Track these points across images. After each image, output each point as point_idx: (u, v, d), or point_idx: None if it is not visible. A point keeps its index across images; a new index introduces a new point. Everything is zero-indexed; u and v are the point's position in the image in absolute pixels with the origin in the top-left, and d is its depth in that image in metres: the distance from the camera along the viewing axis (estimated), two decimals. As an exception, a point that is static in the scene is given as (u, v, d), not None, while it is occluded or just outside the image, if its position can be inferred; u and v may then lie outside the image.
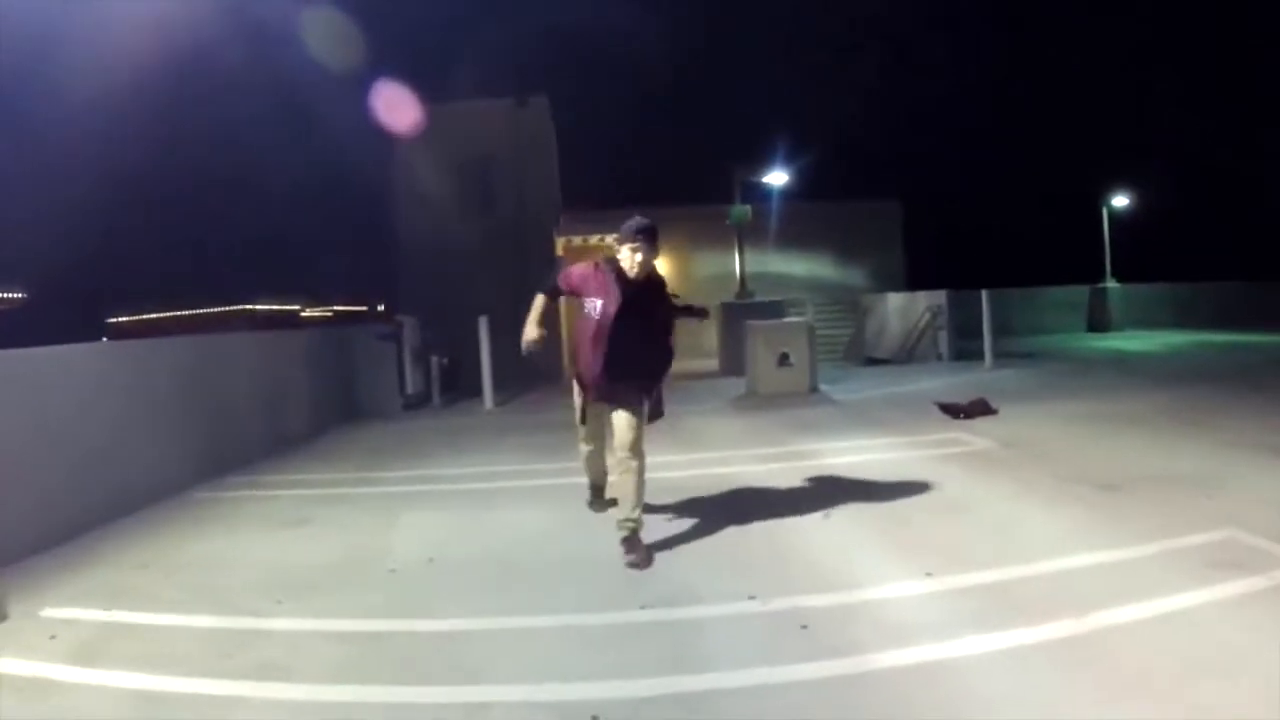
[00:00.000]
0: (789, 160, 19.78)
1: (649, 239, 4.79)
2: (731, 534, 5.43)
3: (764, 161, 19.58)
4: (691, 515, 5.78)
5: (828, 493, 6.34)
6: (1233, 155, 29.27)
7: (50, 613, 4.56)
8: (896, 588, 4.24)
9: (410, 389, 13.27)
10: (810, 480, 6.82)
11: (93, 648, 4.05)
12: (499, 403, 12.87)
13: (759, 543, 5.24)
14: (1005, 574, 4.30)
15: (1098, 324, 24.50)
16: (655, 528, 5.29)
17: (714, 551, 5.10)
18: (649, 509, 5.26)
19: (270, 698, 3.47)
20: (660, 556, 4.98)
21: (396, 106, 19.37)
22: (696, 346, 21.59)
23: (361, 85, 19.75)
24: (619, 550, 4.90)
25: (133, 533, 6.17)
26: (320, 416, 11.26)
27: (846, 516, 5.64)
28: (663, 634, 3.89)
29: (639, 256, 4.77)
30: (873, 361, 19.36)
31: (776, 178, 19.69)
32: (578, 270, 5.06)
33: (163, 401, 7.59)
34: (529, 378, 13.82)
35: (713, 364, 18.79)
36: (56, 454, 6.02)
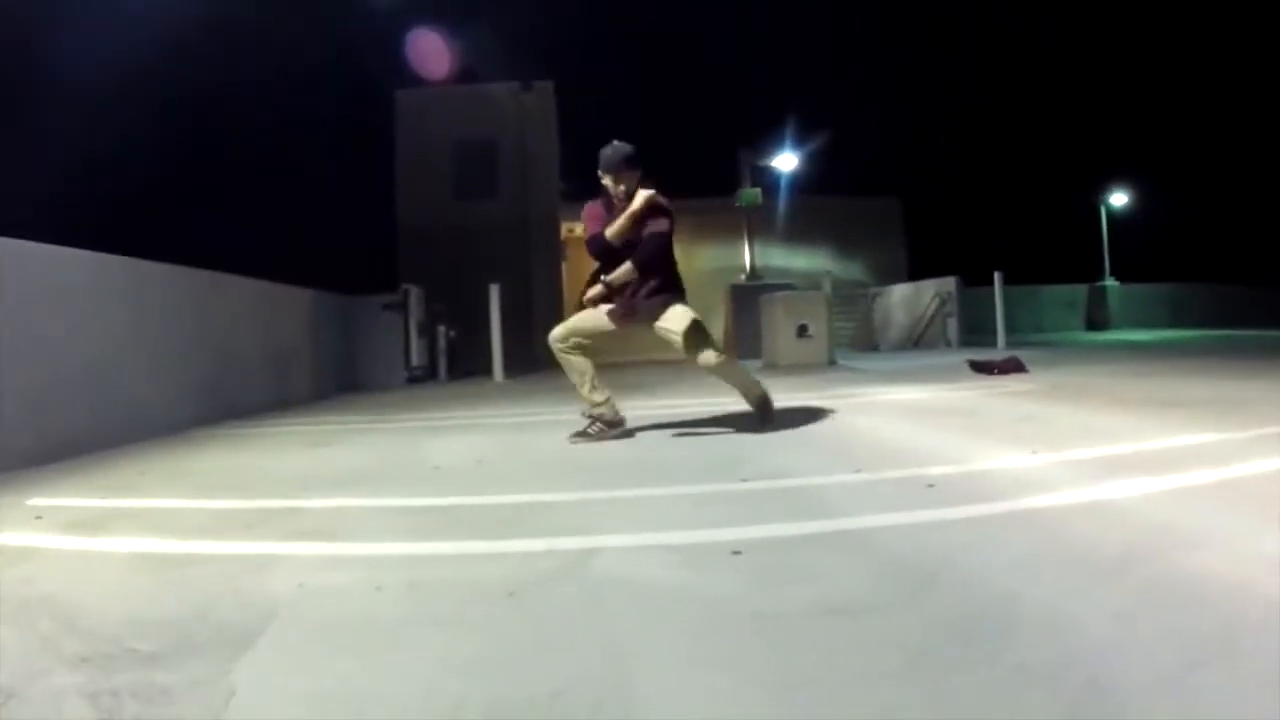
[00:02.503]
0: (797, 145, 19.34)
1: (629, 165, 4.83)
2: (811, 437, 4.85)
3: (771, 147, 19.11)
4: (759, 430, 5.08)
5: (896, 411, 5.92)
6: (1232, 155, 29.06)
7: (39, 501, 3.81)
8: (1007, 460, 3.79)
9: (415, 361, 12.47)
10: (871, 407, 6.27)
11: (88, 524, 3.29)
12: (509, 376, 12.08)
13: (845, 439, 4.74)
14: (1113, 450, 3.88)
15: (1096, 322, 24.18)
16: (721, 437, 4.95)
17: (798, 449, 4.47)
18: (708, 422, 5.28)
19: (315, 554, 2.72)
20: (739, 451, 4.40)
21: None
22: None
23: (363, 63, 19.24)
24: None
25: (128, 454, 5.42)
26: (321, 384, 10.51)
27: (923, 424, 5.23)
28: (780, 496, 3.30)
29: (622, 187, 4.83)
30: (879, 352, 18.81)
31: (785, 161, 19.21)
32: (589, 213, 5.02)
33: (163, 330, 6.88)
34: (532, 361, 13.14)
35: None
36: (46, 360, 5.27)
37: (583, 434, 4.96)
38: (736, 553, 2.46)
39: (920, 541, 2.54)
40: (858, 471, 3.63)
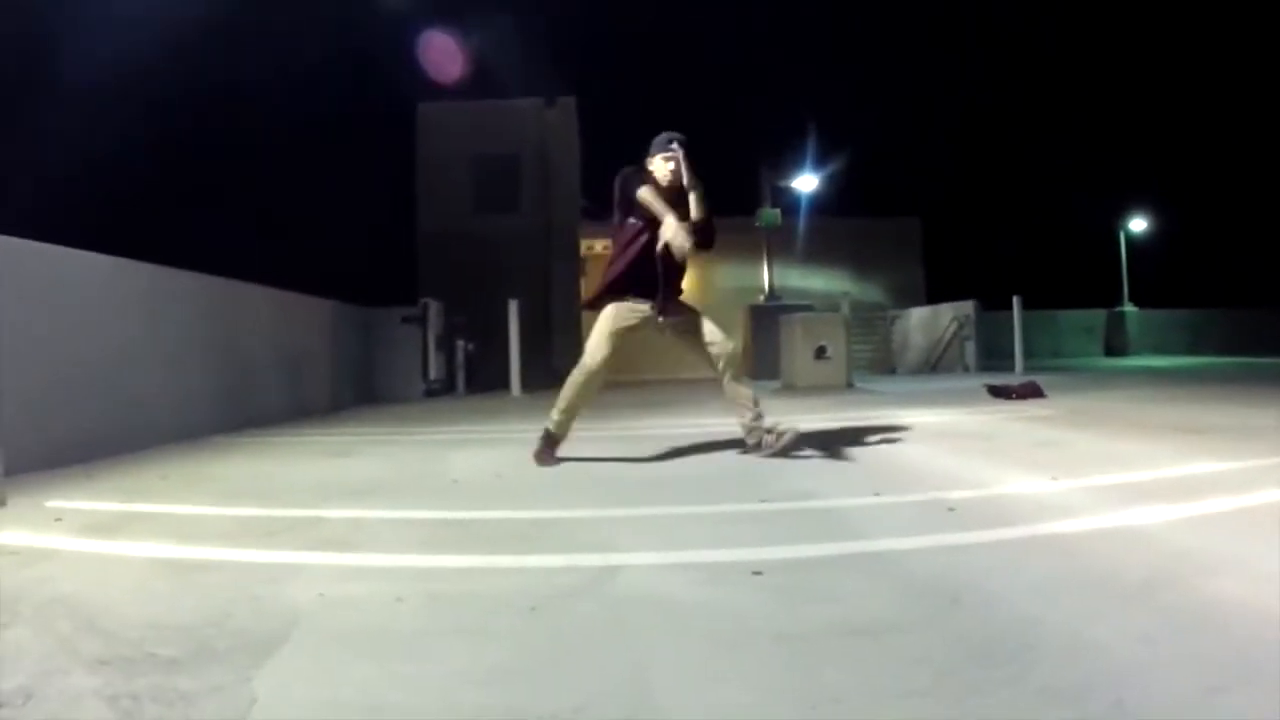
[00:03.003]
0: (817, 166, 19.39)
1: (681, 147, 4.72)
2: (831, 459, 4.80)
3: (792, 168, 19.17)
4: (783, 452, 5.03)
5: (915, 434, 5.87)
6: (1251, 180, 28.90)
7: (58, 503, 3.83)
8: (1027, 485, 3.77)
9: (433, 374, 12.51)
10: (891, 430, 6.19)
11: (107, 527, 3.31)
12: (527, 391, 12.09)
13: (864, 461, 4.69)
14: (1133, 477, 3.86)
15: (1115, 348, 24.00)
16: (743, 458, 4.87)
17: (819, 470, 4.46)
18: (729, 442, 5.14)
19: (335, 564, 2.72)
20: (760, 472, 4.39)
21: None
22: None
23: (386, 74, 19.40)
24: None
25: (148, 459, 5.45)
26: (339, 395, 10.55)
27: (943, 447, 5.20)
28: (800, 517, 3.29)
29: (670, 165, 4.69)
30: (896, 375, 18.74)
31: (806, 182, 19.25)
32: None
33: (184, 336, 6.93)
34: (550, 376, 13.14)
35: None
36: (66, 364, 5.31)
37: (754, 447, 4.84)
38: (757, 573, 2.45)
39: (942, 564, 2.53)
40: (877, 494, 3.61)
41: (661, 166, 4.71)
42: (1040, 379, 10.19)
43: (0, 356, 4.61)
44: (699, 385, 12.33)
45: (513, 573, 2.58)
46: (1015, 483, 3.84)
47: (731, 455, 4.99)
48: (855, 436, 5.71)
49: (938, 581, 2.35)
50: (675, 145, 4.67)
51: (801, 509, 3.42)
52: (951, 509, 3.29)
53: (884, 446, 5.27)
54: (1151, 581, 2.27)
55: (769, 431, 4.74)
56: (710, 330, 4.81)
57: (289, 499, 3.94)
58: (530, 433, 5.04)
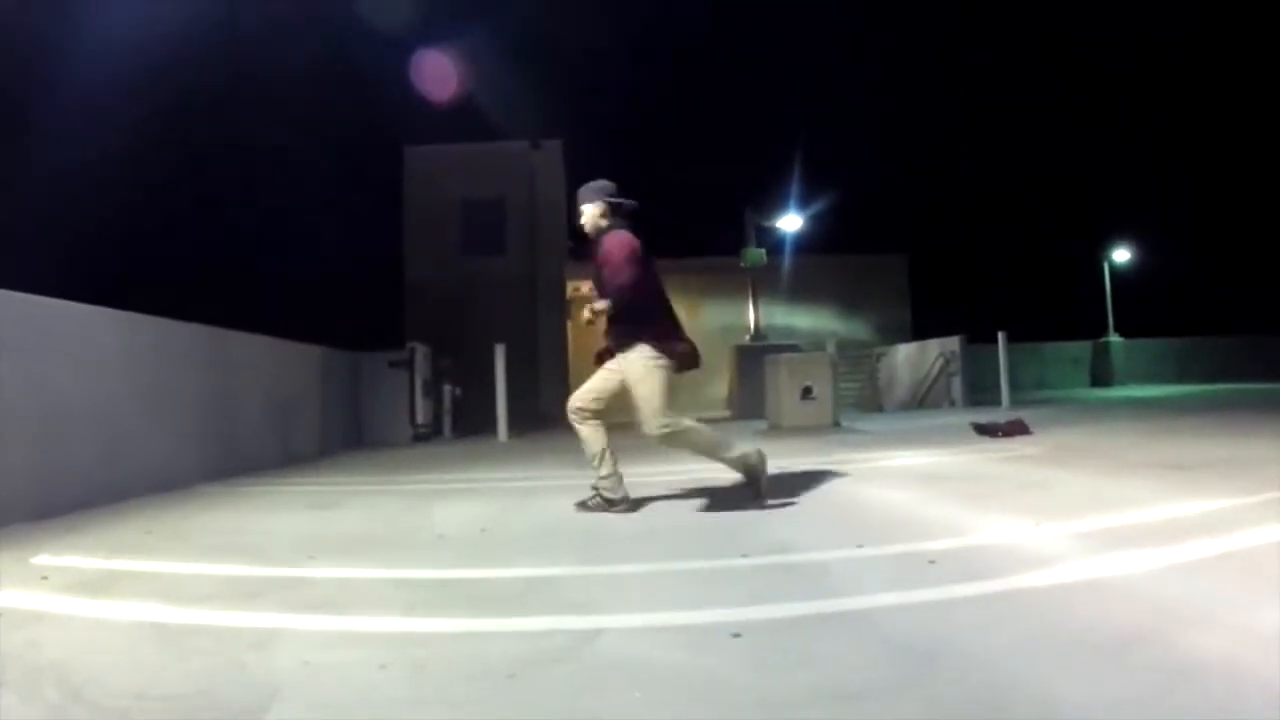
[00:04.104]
0: (801, 206, 19.60)
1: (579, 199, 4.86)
2: (813, 508, 4.84)
3: (776, 208, 19.37)
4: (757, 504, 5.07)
5: (899, 478, 5.94)
6: (1232, 208, 29.30)
7: (44, 560, 3.84)
8: (1010, 532, 3.81)
9: (421, 419, 12.51)
10: (874, 474, 6.28)
11: (94, 586, 3.33)
12: (514, 435, 12.10)
13: (847, 509, 4.74)
14: (1116, 520, 3.88)
15: (1101, 378, 24.20)
16: (723, 508, 4.89)
17: (800, 520, 4.48)
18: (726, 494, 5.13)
19: (320, 629, 2.74)
20: (742, 523, 4.42)
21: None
22: (700, 396, 21.16)
23: (373, 117, 19.55)
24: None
25: (133, 510, 5.45)
26: (327, 440, 10.56)
27: (926, 492, 5.22)
28: (781, 573, 3.31)
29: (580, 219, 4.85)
30: (883, 413, 18.79)
31: (790, 222, 19.44)
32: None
33: (169, 385, 6.95)
34: (536, 420, 13.20)
35: (723, 413, 18.24)
36: (52, 415, 5.33)
37: (583, 504, 4.86)
38: (737, 635, 2.47)
39: (920, 622, 2.56)
40: (859, 546, 3.63)
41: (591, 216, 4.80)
42: (1027, 413, 10.27)
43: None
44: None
45: (495, 637, 2.60)
46: (997, 529, 3.88)
47: (716, 502, 5.04)
48: (839, 482, 5.75)
49: (916, 641, 2.37)
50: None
51: (782, 564, 3.44)
52: (932, 561, 3.31)
53: (867, 492, 5.31)
54: (1130, 638, 2.30)
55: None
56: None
57: (274, 556, 3.94)
58: (516, 481, 5.06)
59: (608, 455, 4.79)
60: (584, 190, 4.88)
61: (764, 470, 4.78)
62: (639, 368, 4.61)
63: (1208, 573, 2.94)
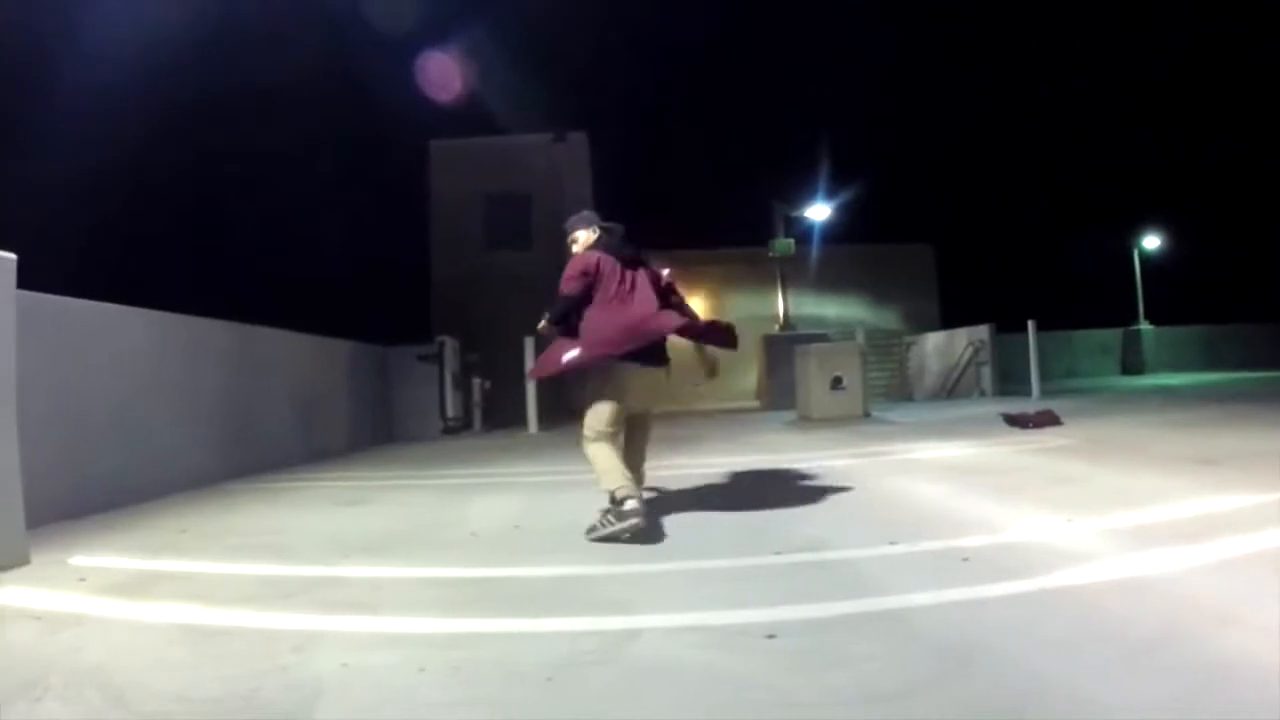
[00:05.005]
0: (829, 196, 19.49)
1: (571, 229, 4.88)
2: (846, 503, 4.87)
3: (804, 198, 19.26)
4: (794, 494, 5.15)
5: (931, 471, 5.93)
6: (1264, 194, 28.77)
7: (80, 560, 3.90)
8: (1042, 528, 3.82)
9: (450, 412, 12.57)
10: (906, 467, 6.29)
11: (131, 588, 3.38)
12: (544, 427, 12.14)
13: (878, 504, 4.74)
14: (1148, 517, 3.87)
15: (1131, 366, 23.84)
16: (755, 502, 4.89)
17: (833, 516, 4.49)
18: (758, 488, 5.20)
19: (357, 630, 2.76)
20: (775, 519, 4.44)
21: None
22: (730, 386, 21.13)
23: (396, 113, 19.58)
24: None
25: (165, 508, 5.53)
26: (356, 435, 10.63)
27: (958, 486, 5.21)
28: (814, 571, 3.32)
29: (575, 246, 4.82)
30: (913, 402, 18.67)
31: (819, 212, 19.31)
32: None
33: (199, 383, 7.04)
34: (566, 412, 13.21)
35: (753, 403, 18.24)
36: (81, 414, 5.41)
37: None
38: (771, 636, 2.48)
39: (954, 622, 2.56)
40: (893, 544, 3.63)
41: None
42: (1056, 405, 10.18)
43: (24, 410, 4.68)
44: (713, 419, 12.39)
45: (531, 639, 2.62)
46: (1030, 526, 3.88)
47: (746, 498, 5.06)
48: (871, 475, 5.75)
49: (949, 641, 2.38)
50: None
51: (816, 561, 3.45)
52: (966, 559, 3.31)
53: (899, 486, 5.31)
54: (1160, 638, 2.31)
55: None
56: None
57: (307, 555, 3.99)
58: (547, 475, 5.07)
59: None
60: (574, 221, 4.95)
61: (622, 518, 4.15)
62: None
63: (1236, 572, 2.92)
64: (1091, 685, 2.01)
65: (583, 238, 4.86)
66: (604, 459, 4.33)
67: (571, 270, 4.61)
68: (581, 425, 4.44)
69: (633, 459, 4.65)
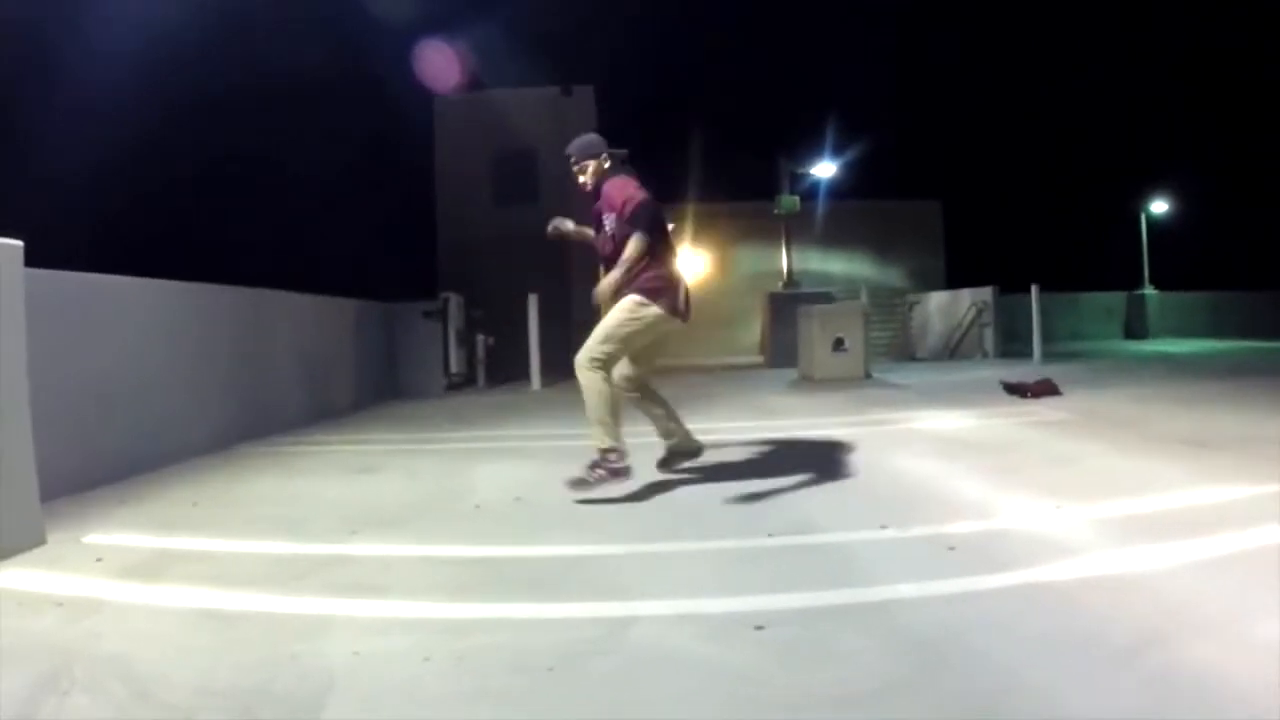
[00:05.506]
0: (837, 153, 19.42)
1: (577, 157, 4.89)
2: (841, 479, 4.97)
3: (810, 154, 19.20)
4: (791, 468, 5.20)
5: (926, 444, 6.08)
6: (1273, 160, 28.49)
7: (95, 539, 4.00)
8: (1031, 515, 3.90)
9: (454, 368, 12.69)
10: (904, 437, 6.46)
11: (147, 570, 3.47)
12: (546, 384, 12.25)
13: (872, 482, 4.87)
14: (1138, 507, 3.94)
15: (1135, 331, 23.85)
16: (752, 477, 4.98)
17: (827, 494, 4.61)
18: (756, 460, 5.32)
19: (366, 615, 2.89)
20: (771, 496, 4.53)
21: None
22: (734, 341, 21.20)
23: (401, 70, 19.38)
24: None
25: (177, 478, 5.64)
26: (362, 393, 10.73)
27: (952, 464, 5.32)
28: (803, 555, 3.45)
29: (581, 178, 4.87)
30: (916, 361, 18.74)
31: (824, 169, 19.27)
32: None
33: (206, 347, 7.10)
34: (568, 368, 13.26)
35: (756, 359, 18.32)
36: (90, 382, 5.49)
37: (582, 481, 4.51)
38: (760, 628, 2.60)
39: (936, 617, 2.67)
40: (883, 527, 3.74)
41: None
42: (1057, 371, 10.25)
43: (35, 381, 4.76)
44: (715, 376, 12.47)
45: (533, 625, 2.75)
46: (1019, 511, 3.98)
47: (740, 469, 5.23)
48: (867, 448, 5.87)
49: (930, 636, 2.50)
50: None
51: (806, 545, 3.57)
52: (952, 548, 3.42)
53: (893, 462, 5.43)
54: (1139, 642, 2.39)
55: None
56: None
57: (316, 530, 4.11)
58: (549, 439, 5.15)
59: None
60: (581, 147, 4.89)
61: (608, 466, 4.45)
62: (625, 304, 4.61)
63: (1224, 571, 2.98)
64: (1063, 690, 2.11)
65: (593, 166, 4.86)
66: (596, 396, 4.52)
67: (630, 190, 4.62)
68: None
69: (666, 411, 4.95)
